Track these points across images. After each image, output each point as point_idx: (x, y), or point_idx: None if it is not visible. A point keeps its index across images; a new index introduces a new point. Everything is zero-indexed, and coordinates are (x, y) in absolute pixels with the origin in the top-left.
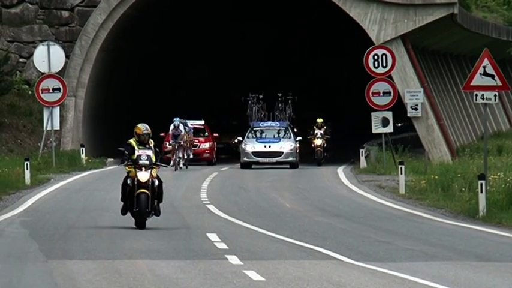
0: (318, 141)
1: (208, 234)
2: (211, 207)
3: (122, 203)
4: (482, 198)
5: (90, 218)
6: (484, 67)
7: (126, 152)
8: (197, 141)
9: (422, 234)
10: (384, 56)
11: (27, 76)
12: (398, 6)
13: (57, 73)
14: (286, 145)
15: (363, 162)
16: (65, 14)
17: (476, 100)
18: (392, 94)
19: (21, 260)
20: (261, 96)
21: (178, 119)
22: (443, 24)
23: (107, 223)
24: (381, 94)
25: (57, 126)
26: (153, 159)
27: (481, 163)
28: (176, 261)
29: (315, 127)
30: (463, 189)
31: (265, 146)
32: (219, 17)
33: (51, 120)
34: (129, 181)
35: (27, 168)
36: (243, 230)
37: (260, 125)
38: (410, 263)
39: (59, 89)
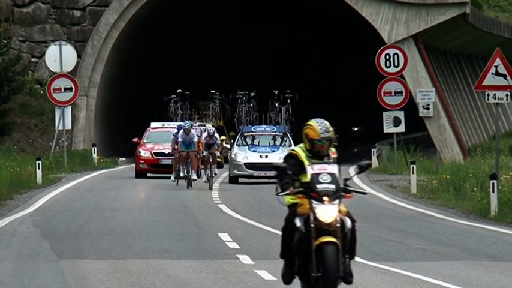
0: None
1: (220, 234)
2: (222, 207)
3: (283, 261)
4: (494, 197)
5: (102, 217)
6: (496, 67)
7: (288, 170)
8: None
9: (433, 234)
10: (395, 56)
11: (39, 76)
12: (410, 5)
13: (69, 73)
14: None
15: (374, 162)
16: (77, 13)
17: (488, 100)
18: (404, 94)
19: (32, 259)
20: (252, 94)
21: (189, 122)
22: (455, 24)
23: (119, 222)
24: (393, 94)
25: (68, 126)
26: (340, 182)
27: (493, 163)
28: (188, 261)
29: None
30: (475, 188)
31: (260, 156)
32: (229, 17)
33: (63, 120)
34: (298, 223)
35: (38, 168)
36: (255, 229)
37: (252, 129)
38: (422, 262)
39: (70, 89)
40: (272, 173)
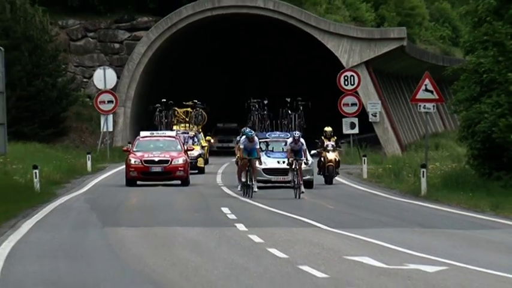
0: (330, 155)
1: (222, 208)
2: (224, 188)
3: None
4: (423, 181)
5: (135, 196)
6: (426, 85)
7: None
8: (169, 156)
9: (379, 208)
10: (352, 77)
11: (88, 92)
12: (363, 40)
13: (111, 89)
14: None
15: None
16: (117, 45)
17: (419, 109)
18: (358, 105)
19: (84, 226)
20: (265, 102)
21: (251, 131)
22: (395, 54)
23: (147, 200)
24: (350, 105)
25: (110, 129)
26: None
27: (423, 156)
28: (198, 228)
29: (323, 137)
30: (410, 175)
31: (278, 162)
32: (221, 45)
33: (107, 124)
34: None
35: (88, 160)
36: (248, 205)
37: (267, 136)
38: (371, 229)
39: (112, 101)
40: (288, 177)
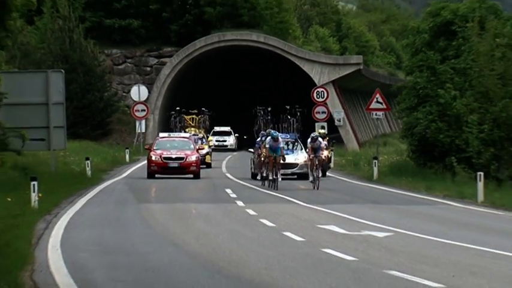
0: (324, 153)
1: (226, 189)
2: (228, 175)
3: None
4: (375, 169)
5: (161, 180)
6: (377, 98)
7: None
8: (184, 154)
9: (343, 189)
10: (322, 92)
11: (127, 103)
12: (330, 64)
13: (143, 101)
14: (301, 157)
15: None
16: (148, 68)
17: (372, 116)
18: (326, 113)
19: (123, 203)
20: (269, 109)
21: (276, 132)
22: (354, 75)
23: (170, 183)
24: (320, 113)
25: (143, 130)
26: None
27: (375, 150)
28: (208, 204)
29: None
30: (365, 164)
31: None
32: (225, 68)
33: (141, 127)
34: None
35: (127, 153)
36: (246, 187)
37: None
38: (337, 205)
39: (144, 110)
40: (289, 171)
